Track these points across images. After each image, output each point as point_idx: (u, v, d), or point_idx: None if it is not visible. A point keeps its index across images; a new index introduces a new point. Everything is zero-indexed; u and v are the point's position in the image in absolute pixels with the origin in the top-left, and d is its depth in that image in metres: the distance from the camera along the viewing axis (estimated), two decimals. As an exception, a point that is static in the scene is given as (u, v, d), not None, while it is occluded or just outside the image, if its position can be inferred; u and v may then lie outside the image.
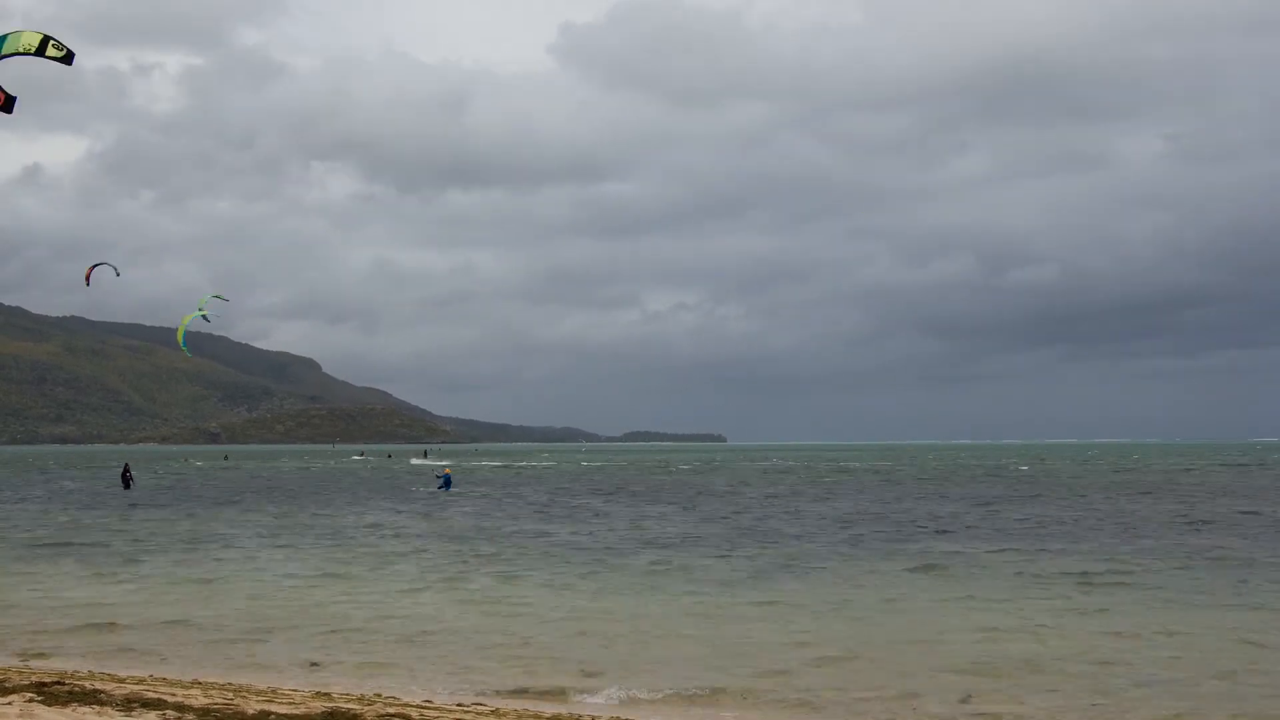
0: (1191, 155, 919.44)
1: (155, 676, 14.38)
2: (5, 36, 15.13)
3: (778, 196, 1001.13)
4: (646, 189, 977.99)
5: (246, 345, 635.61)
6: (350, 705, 12.29)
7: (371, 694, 13.42)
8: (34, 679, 13.20)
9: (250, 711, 11.73)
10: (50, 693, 12.26)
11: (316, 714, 11.74)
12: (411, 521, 38.80)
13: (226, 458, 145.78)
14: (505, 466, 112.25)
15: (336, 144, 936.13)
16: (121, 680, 13.70)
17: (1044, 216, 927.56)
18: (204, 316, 48.00)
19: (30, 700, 11.88)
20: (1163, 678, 14.41)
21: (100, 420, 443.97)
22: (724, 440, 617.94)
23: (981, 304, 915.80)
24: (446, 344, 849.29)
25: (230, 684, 13.96)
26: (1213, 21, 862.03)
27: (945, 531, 33.92)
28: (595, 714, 12.80)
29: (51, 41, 15.09)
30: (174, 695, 12.53)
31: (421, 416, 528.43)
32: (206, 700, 12.29)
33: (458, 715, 12.25)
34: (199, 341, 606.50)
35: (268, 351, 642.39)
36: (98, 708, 11.66)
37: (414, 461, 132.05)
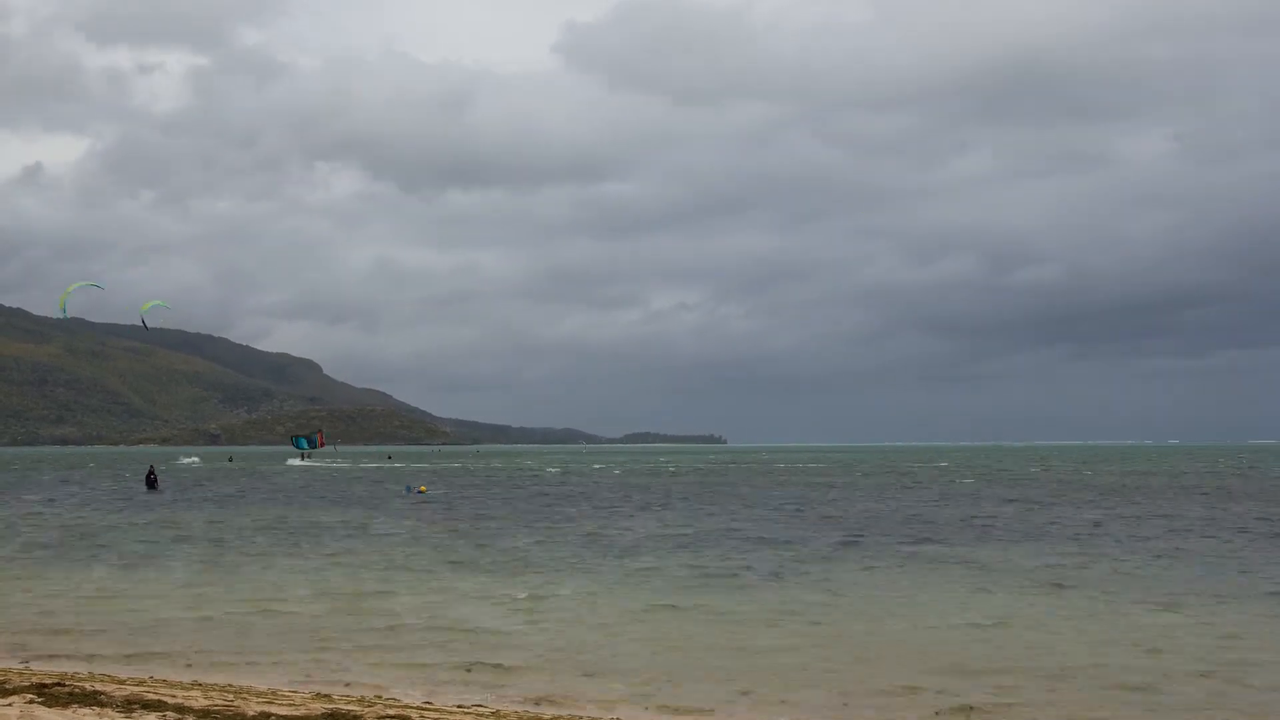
0: (1194, 155, 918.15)
1: (155, 678, 14.39)
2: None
3: (779, 196, 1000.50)
4: (648, 188, 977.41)
5: (246, 347, 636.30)
6: (350, 706, 12.30)
7: (372, 695, 13.43)
8: (34, 680, 13.21)
9: (250, 713, 11.74)
10: (50, 694, 12.27)
11: (316, 715, 11.75)
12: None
13: (230, 459, 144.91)
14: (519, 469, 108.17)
15: (338, 144, 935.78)
16: (122, 682, 13.71)
17: (1046, 216, 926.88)
18: (143, 320, 48.27)
19: (30, 701, 11.89)
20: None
21: (100, 422, 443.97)
22: (723, 442, 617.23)
23: (984, 304, 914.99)
24: (447, 344, 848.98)
25: (230, 685, 13.97)
26: (1214, 21, 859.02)
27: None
28: (595, 714, 12.81)
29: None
30: (174, 697, 12.54)
31: (421, 418, 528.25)
32: (207, 702, 12.30)
33: (458, 716, 12.26)
34: (200, 343, 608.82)
35: (268, 353, 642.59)
36: (98, 709, 11.67)
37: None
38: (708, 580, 23.43)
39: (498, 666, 15.33)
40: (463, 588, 22.63)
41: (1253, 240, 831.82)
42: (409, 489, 60.39)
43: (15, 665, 15.13)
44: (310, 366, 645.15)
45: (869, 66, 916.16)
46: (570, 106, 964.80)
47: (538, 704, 13.35)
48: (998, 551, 28.65)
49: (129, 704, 11.93)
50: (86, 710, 11.61)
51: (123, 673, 14.72)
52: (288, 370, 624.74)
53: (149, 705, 11.91)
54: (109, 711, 11.59)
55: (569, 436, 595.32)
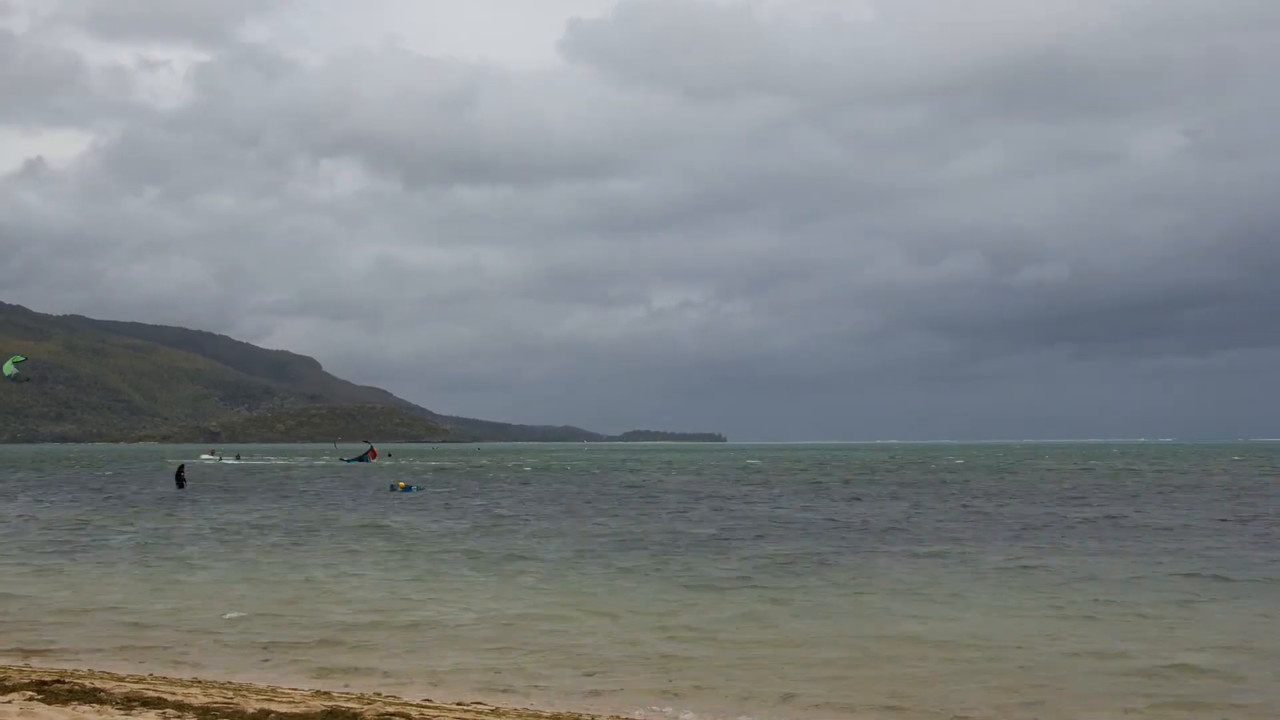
0: (1206, 151, 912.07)
1: (155, 675, 14.40)
2: None
3: (785, 193, 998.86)
4: (654, 186, 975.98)
5: (247, 344, 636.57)
6: (350, 704, 12.30)
7: (371, 693, 13.43)
8: (34, 677, 13.21)
9: (250, 710, 11.74)
10: (50, 691, 12.27)
11: (316, 713, 11.75)
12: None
13: (239, 457, 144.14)
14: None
15: (342, 140, 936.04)
16: (121, 679, 13.71)
17: (1051, 215, 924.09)
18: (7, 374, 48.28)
19: (30, 699, 11.90)
20: None
21: (101, 419, 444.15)
22: (724, 440, 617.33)
23: (986, 303, 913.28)
24: (448, 342, 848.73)
25: (230, 683, 13.98)
26: (1227, 16, 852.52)
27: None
28: (595, 713, 12.81)
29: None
30: (174, 694, 12.54)
31: (421, 416, 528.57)
32: (206, 699, 12.30)
33: (458, 714, 12.26)
34: (200, 341, 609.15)
35: (268, 350, 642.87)
36: (98, 706, 11.67)
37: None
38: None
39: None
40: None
41: (1257, 239, 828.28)
42: (392, 487, 60.74)
43: (15, 663, 15.13)
44: (310, 364, 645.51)
45: (878, 62, 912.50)
46: (574, 104, 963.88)
47: (541, 700, 13.37)
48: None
49: (129, 701, 11.93)
50: (86, 707, 11.61)
51: (134, 671, 14.74)
52: (288, 368, 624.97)
53: (148, 702, 11.91)
54: (109, 709, 11.59)
55: (569, 435, 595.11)
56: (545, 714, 12.56)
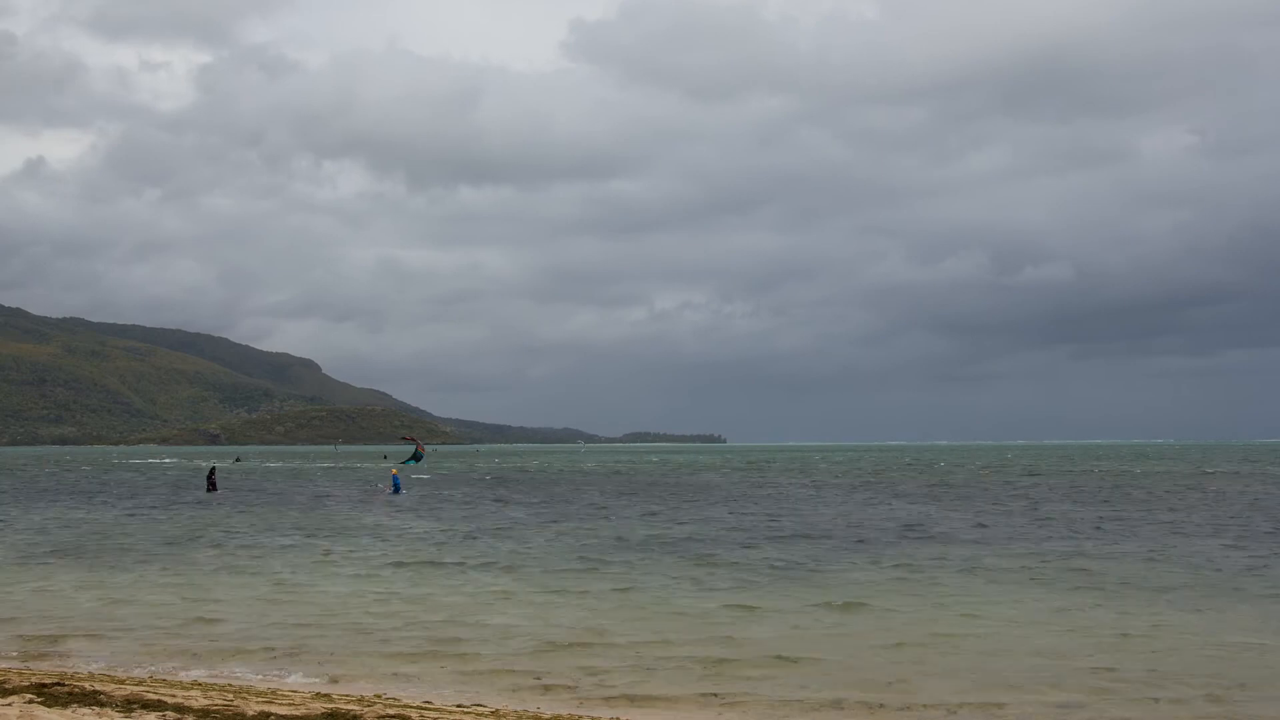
0: (1213, 150, 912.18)
1: (155, 677, 14.40)
2: None
3: (788, 193, 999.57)
4: (657, 186, 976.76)
5: (246, 347, 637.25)
6: (350, 706, 12.30)
7: (371, 695, 13.43)
8: (34, 680, 13.21)
9: (250, 713, 11.74)
10: (50, 694, 12.27)
11: (316, 715, 11.75)
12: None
13: (238, 459, 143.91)
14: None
15: (345, 141, 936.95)
16: (121, 681, 13.71)
17: (1058, 213, 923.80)
18: None
19: (30, 701, 11.89)
20: None
21: (100, 421, 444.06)
22: (723, 441, 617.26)
23: (991, 303, 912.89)
24: (449, 344, 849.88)
25: (230, 685, 13.98)
26: (1235, 13, 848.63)
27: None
28: (595, 713, 12.81)
29: None
30: (174, 696, 12.54)
31: (421, 417, 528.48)
32: (206, 701, 12.30)
33: (457, 715, 12.26)
34: (199, 343, 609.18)
35: (267, 353, 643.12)
36: (98, 709, 11.67)
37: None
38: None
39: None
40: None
41: (1263, 238, 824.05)
42: (378, 487, 60.64)
43: (15, 665, 15.13)
44: (310, 366, 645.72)
45: (880, 61, 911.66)
46: (578, 104, 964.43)
47: (541, 700, 13.37)
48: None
49: (128, 704, 11.93)
50: (86, 710, 11.61)
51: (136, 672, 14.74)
52: (288, 370, 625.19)
53: (148, 705, 11.91)
54: (109, 711, 11.59)
55: (569, 436, 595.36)
56: (546, 714, 12.56)
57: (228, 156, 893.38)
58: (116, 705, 11.84)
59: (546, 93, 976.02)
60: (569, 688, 14.12)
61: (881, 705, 13.30)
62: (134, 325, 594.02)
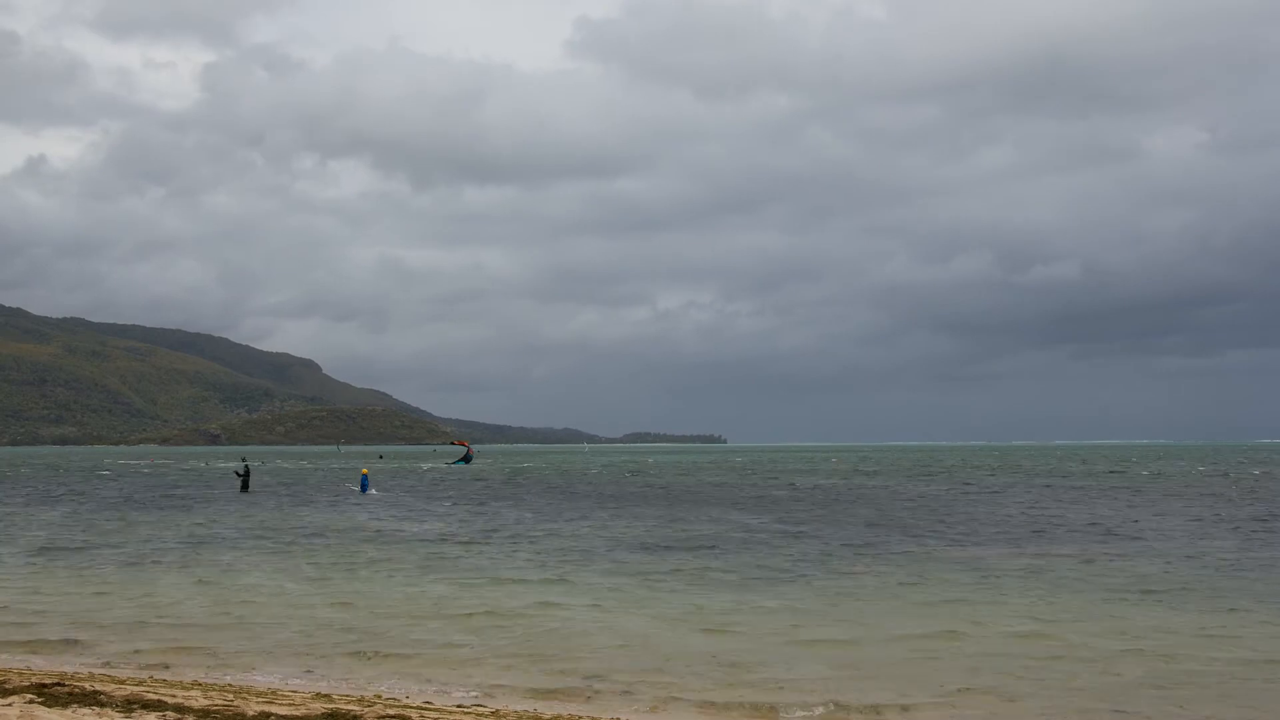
0: (1225, 148, 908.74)
1: (155, 678, 14.39)
2: None
3: (794, 192, 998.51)
4: (662, 185, 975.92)
5: (247, 347, 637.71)
6: (350, 706, 12.29)
7: (372, 695, 13.42)
8: (34, 680, 13.20)
9: (250, 713, 11.73)
10: (50, 694, 12.26)
11: (316, 715, 11.74)
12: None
13: (244, 460, 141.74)
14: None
15: (349, 141, 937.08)
16: (121, 681, 13.70)
17: (1066, 212, 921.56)
18: None
19: (30, 701, 11.88)
20: None
21: (100, 421, 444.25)
22: (724, 441, 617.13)
23: (997, 303, 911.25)
24: (450, 344, 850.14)
25: (230, 685, 13.97)
26: (1245, 11, 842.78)
27: None
28: (595, 714, 12.81)
29: None
30: (174, 696, 12.53)
31: (422, 417, 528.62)
32: (206, 701, 12.29)
33: (458, 716, 12.25)
34: (200, 343, 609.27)
35: (268, 353, 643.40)
36: (98, 709, 11.66)
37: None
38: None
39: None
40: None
41: (1272, 236, 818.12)
42: (347, 486, 60.62)
43: (15, 665, 15.13)
44: (310, 366, 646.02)
45: (888, 59, 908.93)
46: (583, 103, 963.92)
47: (541, 700, 13.36)
48: None
49: (129, 704, 11.92)
50: (86, 710, 11.60)
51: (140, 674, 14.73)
52: (288, 370, 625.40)
53: (149, 705, 11.90)
54: (109, 711, 11.58)
55: (569, 436, 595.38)
56: (546, 714, 12.55)
57: (230, 156, 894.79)
58: (117, 705, 11.83)
59: (551, 91, 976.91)
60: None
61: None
62: (134, 325, 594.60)
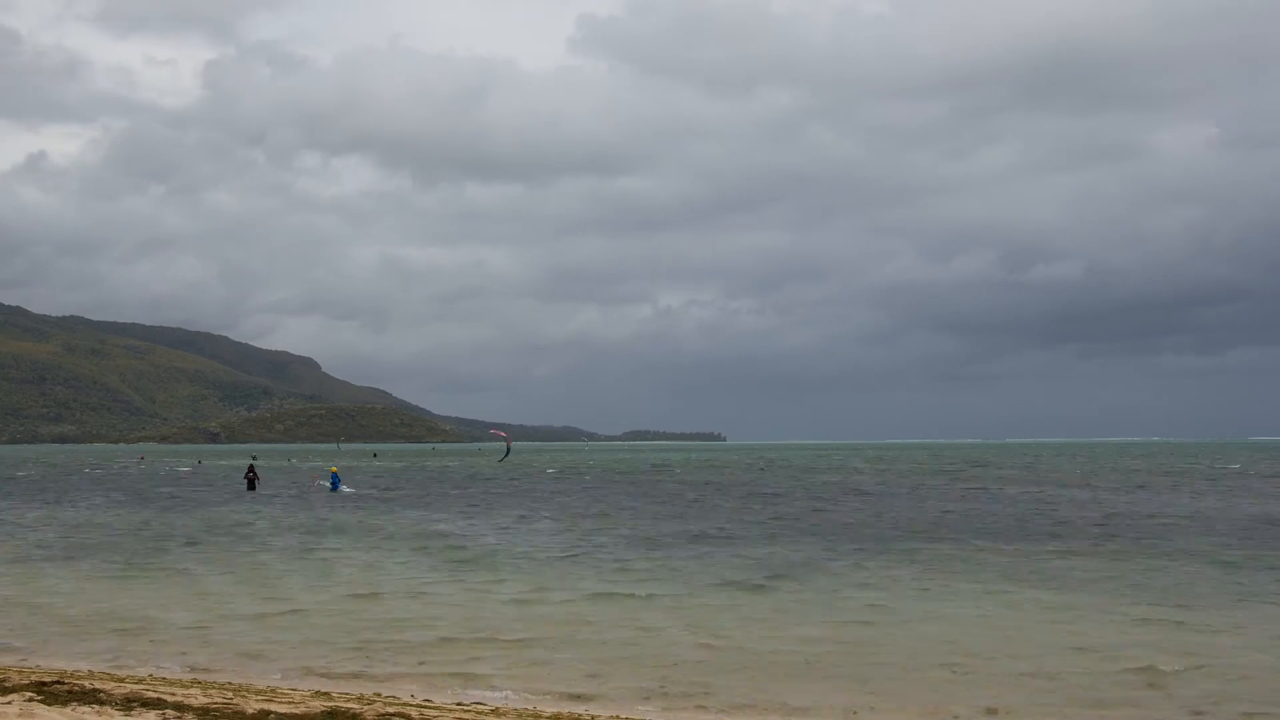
0: (1229, 146, 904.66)
1: (155, 676, 14.38)
2: None
3: (798, 191, 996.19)
4: (666, 184, 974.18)
5: (246, 345, 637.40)
6: (350, 705, 12.28)
7: (371, 693, 13.41)
8: (34, 678, 13.19)
9: (250, 711, 11.72)
10: (50, 692, 12.25)
11: (316, 713, 11.73)
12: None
13: (255, 457, 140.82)
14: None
15: (352, 138, 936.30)
16: (121, 680, 13.69)
17: (1070, 211, 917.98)
18: None
19: (30, 699, 11.87)
20: None
21: (100, 420, 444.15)
22: (723, 439, 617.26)
23: (1000, 302, 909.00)
24: (451, 343, 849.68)
25: (230, 683, 13.95)
26: (1251, 9, 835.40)
27: None
28: (595, 713, 12.79)
29: None
30: (173, 695, 12.52)
31: (421, 416, 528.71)
32: (206, 699, 12.28)
33: (457, 715, 12.24)
34: (200, 341, 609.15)
35: (267, 351, 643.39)
36: (97, 707, 11.64)
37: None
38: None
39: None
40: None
41: (1274, 235, 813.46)
42: (318, 484, 59.84)
43: (14, 663, 15.11)
44: (309, 365, 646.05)
45: (894, 55, 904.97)
46: (586, 100, 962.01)
47: (541, 700, 13.34)
48: None
49: (128, 702, 11.90)
50: (86, 708, 11.59)
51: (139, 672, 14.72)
52: (287, 368, 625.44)
53: (148, 703, 11.89)
54: (108, 709, 11.56)
55: (569, 435, 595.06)
56: (545, 714, 12.54)
57: (232, 153, 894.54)
58: (116, 703, 11.82)
59: (554, 89, 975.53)
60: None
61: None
62: (134, 323, 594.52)
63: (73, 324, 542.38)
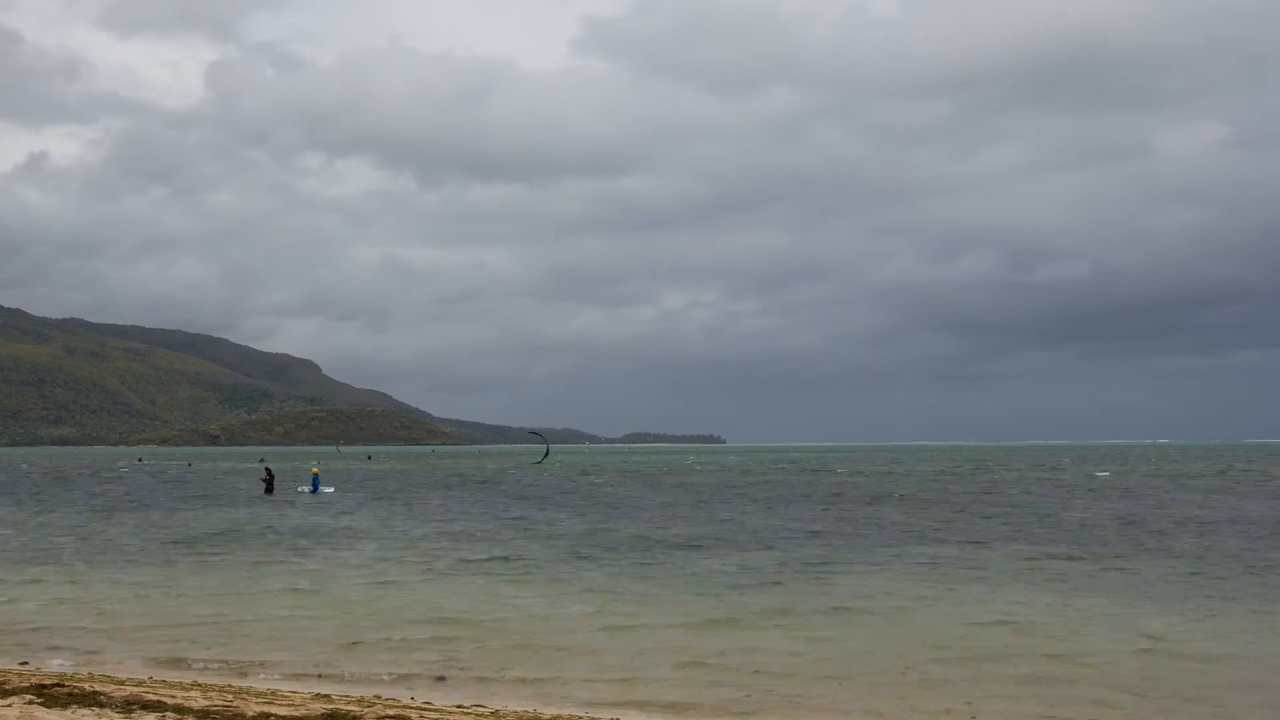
0: (1238, 144, 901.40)
1: (155, 678, 14.38)
2: None
3: (803, 190, 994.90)
4: (668, 184, 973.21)
5: (246, 347, 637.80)
6: (350, 707, 12.27)
7: (371, 695, 13.41)
8: (34, 681, 13.19)
9: (250, 713, 11.72)
10: (50, 695, 12.25)
11: (316, 715, 11.73)
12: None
13: (262, 460, 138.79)
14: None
15: (354, 139, 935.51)
16: (121, 682, 13.69)
17: (1074, 211, 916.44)
18: None
19: (30, 702, 11.87)
20: None
21: (99, 422, 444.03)
22: (722, 441, 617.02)
23: (1003, 302, 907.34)
24: (451, 344, 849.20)
25: (230, 686, 13.96)
26: (1257, 8, 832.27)
27: None
28: (595, 714, 12.79)
29: None
30: (173, 697, 12.52)
31: (421, 418, 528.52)
32: (206, 702, 12.27)
33: (457, 716, 12.24)
34: (200, 343, 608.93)
35: (267, 353, 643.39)
36: (97, 710, 11.64)
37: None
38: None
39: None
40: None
41: (1277, 236, 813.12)
42: (299, 489, 59.29)
43: (15, 666, 15.11)
44: (309, 367, 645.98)
45: (899, 55, 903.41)
46: (589, 101, 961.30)
47: (541, 701, 13.33)
48: None
49: (128, 704, 11.90)
50: (86, 711, 11.58)
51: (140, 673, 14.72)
52: (287, 371, 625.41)
53: (148, 706, 11.89)
54: (108, 712, 11.56)
55: (569, 437, 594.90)
56: (545, 714, 12.54)
57: (234, 154, 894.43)
58: (116, 706, 11.81)
59: (556, 89, 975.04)
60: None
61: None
62: (133, 326, 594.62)
63: (72, 326, 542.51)
